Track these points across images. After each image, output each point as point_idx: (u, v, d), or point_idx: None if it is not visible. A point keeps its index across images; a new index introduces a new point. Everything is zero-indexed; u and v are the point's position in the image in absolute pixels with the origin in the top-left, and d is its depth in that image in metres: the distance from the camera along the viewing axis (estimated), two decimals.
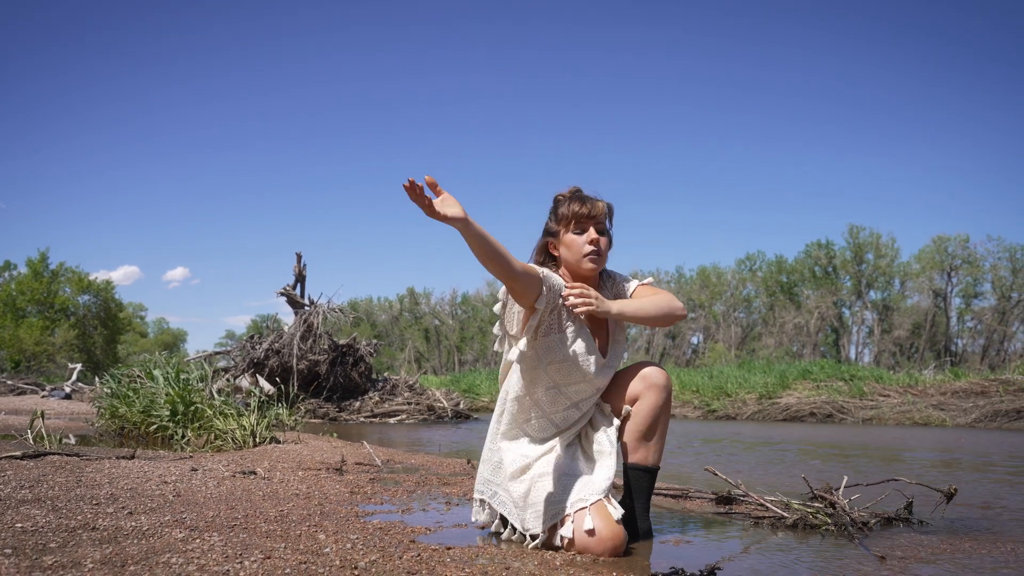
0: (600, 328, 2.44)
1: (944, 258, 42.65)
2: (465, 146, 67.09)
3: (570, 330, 2.32)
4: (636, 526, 2.32)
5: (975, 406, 12.04)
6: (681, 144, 61.88)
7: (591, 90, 63.48)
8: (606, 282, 2.51)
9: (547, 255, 2.43)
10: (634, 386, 2.34)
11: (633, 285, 2.50)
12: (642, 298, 2.40)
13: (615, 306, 2.20)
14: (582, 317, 2.33)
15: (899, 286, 45.69)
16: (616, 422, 2.35)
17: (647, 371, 2.35)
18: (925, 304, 43.83)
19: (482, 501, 2.40)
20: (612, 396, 2.41)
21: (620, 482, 2.46)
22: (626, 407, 2.36)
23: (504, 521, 2.33)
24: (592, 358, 2.34)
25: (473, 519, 2.43)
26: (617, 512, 2.09)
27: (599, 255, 2.34)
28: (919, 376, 15.72)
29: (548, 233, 2.41)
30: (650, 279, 2.56)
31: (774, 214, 61.34)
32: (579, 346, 2.32)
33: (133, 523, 2.19)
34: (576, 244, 2.34)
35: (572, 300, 2.08)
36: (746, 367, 18.99)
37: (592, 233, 2.33)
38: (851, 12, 54.49)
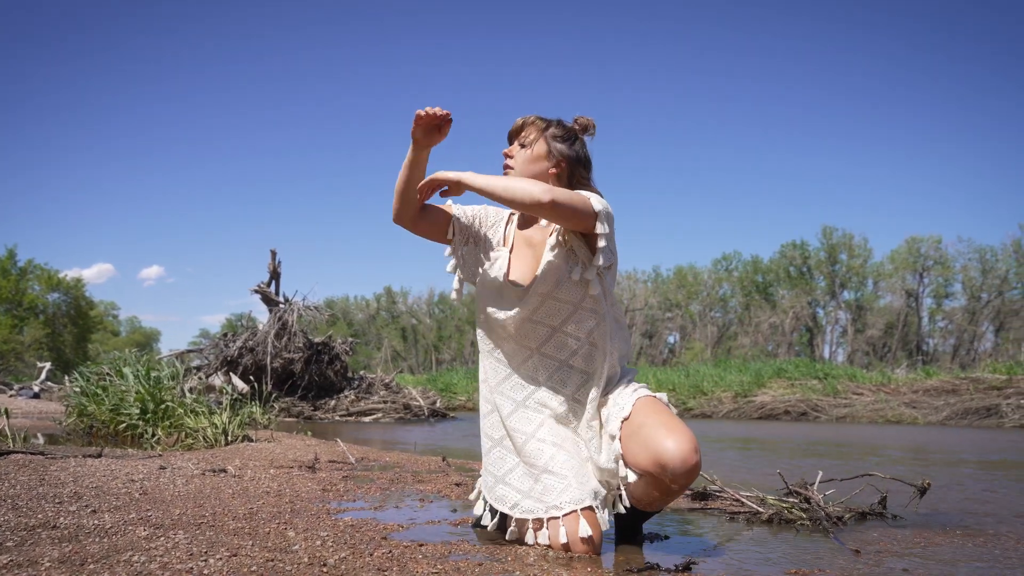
0: (530, 255, 2.25)
1: (916, 259, 43.27)
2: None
3: (490, 260, 2.29)
4: (625, 533, 2.22)
5: (946, 404, 12.22)
6: (658, 145, 62.25)
7: (569, 89, 63.60)
8: None
9: None
10: (644, 462, 1.98)
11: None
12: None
13: (457, 172, 2.16)
14: (502, 239, 2.31)
15: (872, 286, 46.31)
16: (626, 475, 2.05)
17: (668, 455, 1.93)
18: (897, 304, 44.46)
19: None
20: (627, 447, 2.04)
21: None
22: (631, 474, 2.03)
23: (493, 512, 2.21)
24: (501, 299, 2.20)
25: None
26: (590, 526, 1.96)
27: (505, 168, 2.28)
28: (892, 375, 15.95)
29: None
30: (591, 199, 2.12)
31: (750, 215, 61.95)
32: (484, 275, 2.27)
33: (96, 521, 2.13)
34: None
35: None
36: (722, 366, 19.14)
37: (511, 147, 2.30)
38: (824, 16, 55.09)
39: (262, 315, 13.35)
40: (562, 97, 63.46)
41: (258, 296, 12.91)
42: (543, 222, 2.26)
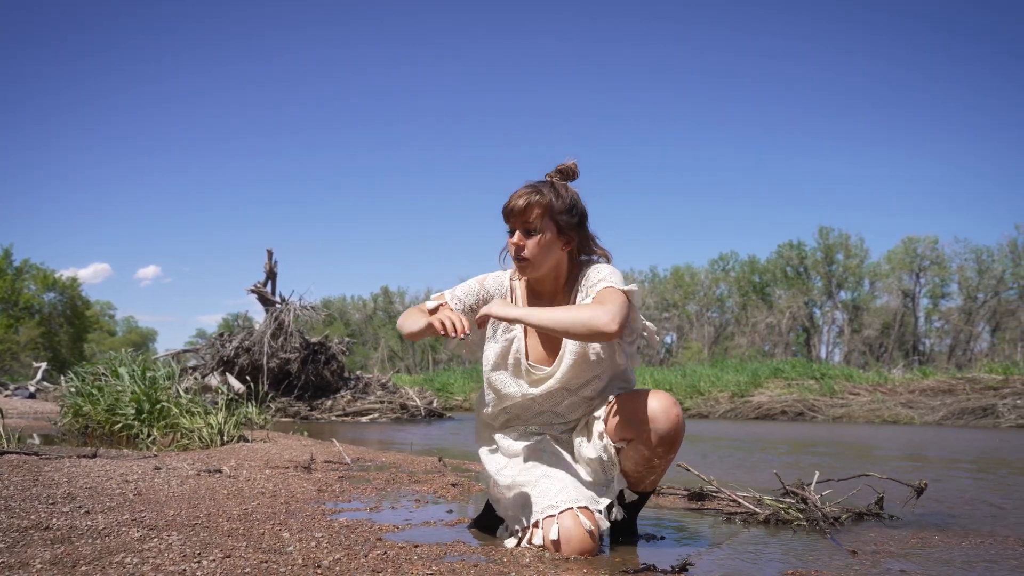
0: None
1: (913, 259, 43.33)
2: (437, 138, 66.88)
3: (495, 333, 2.21)
4: (619, 528, 2.25)
5: (942, 404, 12.23)
6: (655, 145, 62.26)
7: (567, 90, 63.60)
8: (580, 280, 2.22)
9: None
10: (630, 426, 2.07)
11: (599, 287, 2.11)
12: (567, 305, 2.13)
13: (516, 311, 2.01)
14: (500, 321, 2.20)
15: (868, 286, 46.36)
16: (610, 450, 2.12)
17: (650, 412, 2.04)
18: (894, 304, 44.52)
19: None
20: (612, 422, 2.12)
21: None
22: (621, 443, 2.11)
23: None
24: (519, 381, 2.20)
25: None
26: (588, 523, 1.97)
27: (519, 260, 2.13)
28: (888, 375, 15.95)
29: None
30: (617, 285, 2.09)
31: (747, 215, 62.02)
32: (496, 354, 2.20)
33: (89, 522, 2.12)
34: (509, 245, 2.17)
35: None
36: (719, 366, 19.13)
37: (516, 235, 2.13)
38: (822, 16, 55.15)
39: (258, 315, 13.35)
40: (561, 97, 63.50)
41: (254, 296, 12.89)
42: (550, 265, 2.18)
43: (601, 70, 62.54)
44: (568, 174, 2.22)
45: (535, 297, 2.26)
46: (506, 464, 2.25)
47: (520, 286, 2.27)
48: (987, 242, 48.19)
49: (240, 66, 64.56)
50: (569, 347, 2.15)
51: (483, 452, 2.38)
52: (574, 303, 2.18)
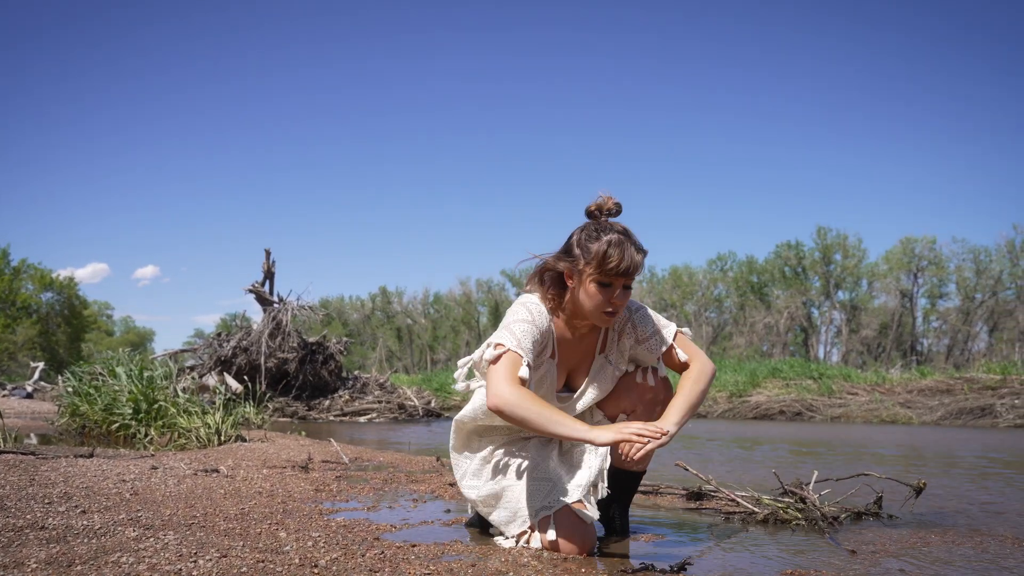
0: (579, 365, 2.25)
1: (911, 259, 43.35)
2: (435, 138, 66.87)
3: (536, 373, 2.18)
4: (613, 525, 2.28)
5: (941, 404, 12.24)
6: (653, 144, 62.29)
7: (565, 90, 63.63)
8: (624, 327, 2.25)
9: (559, 277, 2.14)
10: (628, 397, 2.22)
11: (667, 341, 2.21)
12: (684, 388, 2.14)
13: (673, 425, 2.03)
14: (552, 357, 2.19)
15: (867, 287, 46.37)
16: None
17: (646, 379, 2.22)
18: (892, 304, 44.54)
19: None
20: (608, 400, 2.26)
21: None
22: (621, 416, 2.24)
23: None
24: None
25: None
26: (586, 515, 1.98)
27: (616, 314, 2.10)
28: (886, 375, 15.96)
29: (569, 257, 2.10)
30: (671, 327, 2.24)
31: (745, 215, 62.02)
32: (536, 389, 2.17)
33: (85, 522, 2.11)
34: (597, 297, 2.05)
35: (634, 451, 1.92)
36: (717, 366, 19.10)
37: (617, 291, 2.06)
38: (820, 16, 55.21)
39: (256, 315, 13.32)
40: (559, 97, 63.49)
41: (252, 296, 12.87)
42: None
43: (598, 70, 62.55)
44: (618, 211, 2.17)
45: (570, 328, 2.20)
46: (490, 475, 2.22)
47: (554, 334, 2.21)
48: (985, 242, 48.09)
49: (238, 65, 64.52)
50: (593, 383, 2.24)
51: (462, 464, 2.31)
52: (606, 339, 2.25)
